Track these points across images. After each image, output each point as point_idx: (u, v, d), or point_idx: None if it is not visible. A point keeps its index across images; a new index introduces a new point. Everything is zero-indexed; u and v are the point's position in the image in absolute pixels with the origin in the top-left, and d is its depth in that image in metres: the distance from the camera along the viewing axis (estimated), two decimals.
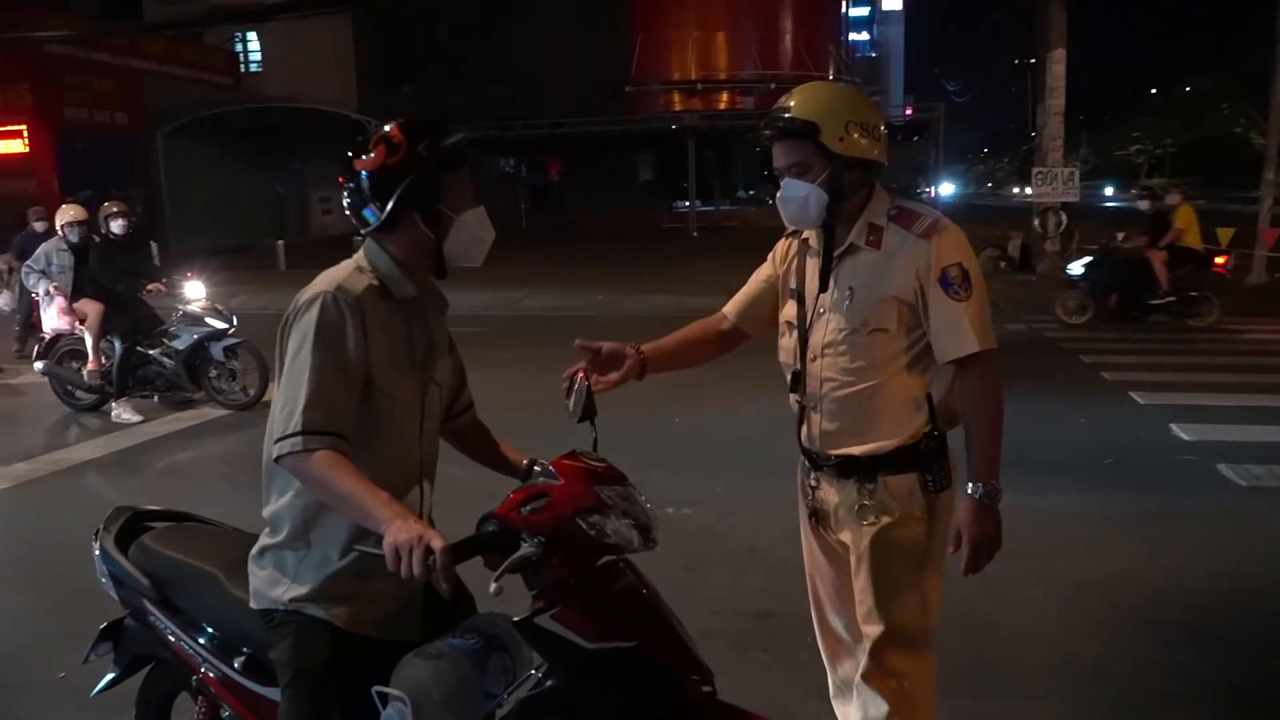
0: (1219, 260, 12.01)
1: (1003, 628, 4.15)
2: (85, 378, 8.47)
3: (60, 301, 8.59)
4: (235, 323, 8.53)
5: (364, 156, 2.11)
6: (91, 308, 8.40)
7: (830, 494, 2.58)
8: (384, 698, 1.96)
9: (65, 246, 8.72)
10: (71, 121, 23.54)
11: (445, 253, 2.17)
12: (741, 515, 5.47)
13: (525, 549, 1.91)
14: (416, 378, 2.19)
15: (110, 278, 8.28)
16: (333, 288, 2.06)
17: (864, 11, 77.42)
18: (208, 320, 8.40)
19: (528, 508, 1.96)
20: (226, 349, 8.42)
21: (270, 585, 2.13)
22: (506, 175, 41.24)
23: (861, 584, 2.54)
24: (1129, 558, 4.87)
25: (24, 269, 9.08)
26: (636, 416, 8.13)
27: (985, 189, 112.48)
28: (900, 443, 2.44)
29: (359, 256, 2.19)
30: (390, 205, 2.10)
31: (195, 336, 8.34)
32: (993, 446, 2.39)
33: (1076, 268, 12.56)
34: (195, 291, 8.68)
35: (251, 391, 8.44)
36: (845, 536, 2.57)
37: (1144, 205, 12.77)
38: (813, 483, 2.62)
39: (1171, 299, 11.75)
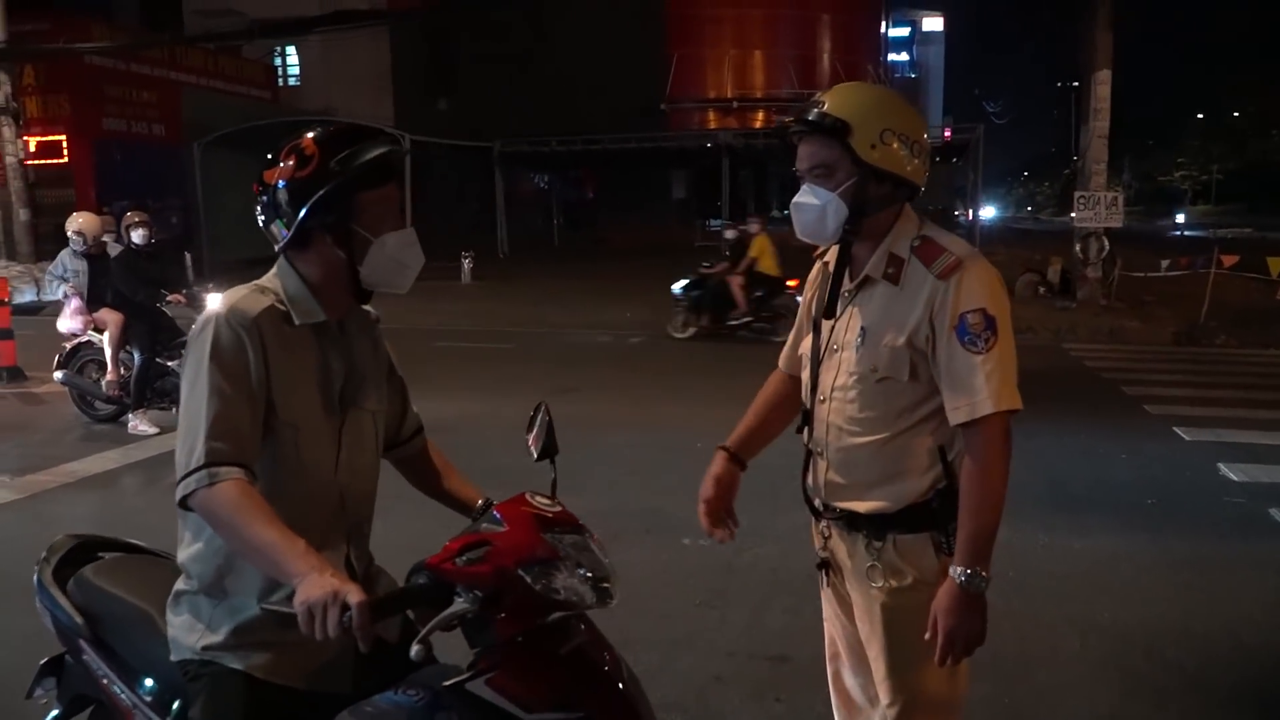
0: (790, 283, 12.72)
1: (1037, 681, 3.87)
2: (104, 388, 8.39)
3: (76, 303, 8.52)
4: None
5: (275, 167, 1.94)
6: (111, 317, 8.31)
7: (840, 547, 2.33)
8: None
9: (78, 252, 8.67)
10: (110, 132, 23.76)
11: (362, 277, 1.98)
12: (762, 549, 5.22)
13: (458, 605, 1.68)
14: (331, 408, 1.99)
15: (131, 287, 8.19)
16: (225, 309, 1.89)
17: (904, 32, 77.03)
18: None
19: (464, 558, 1.72)
20: None
21: (186, 633, 1.95)
22: (540, 191, 41.28)
23: (875, 651, 2.29)
24: (1175, 607, 4.57)
25: (46, 277, 9.06)
26: (657, 439, 7.94)
27: (1026, 213, 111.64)
28: (911, 501, 2.18)
29: (267, 276, 2.02)
30: (297, 223, 1.92)
31: None
32: (987, 526, 2.07)
33: (678, 287, 13.64)
34: (216, 303, 8.56)
35: None
36: (855, 596, 2.33)
37: (729, 234, 14.12)
38: (824, 531, 2.38)
39: (749, 318, 13.02)
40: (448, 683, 1.71)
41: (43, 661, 2.51)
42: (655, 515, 5.77)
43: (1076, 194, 16.41)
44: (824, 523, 2.37)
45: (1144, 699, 3.75)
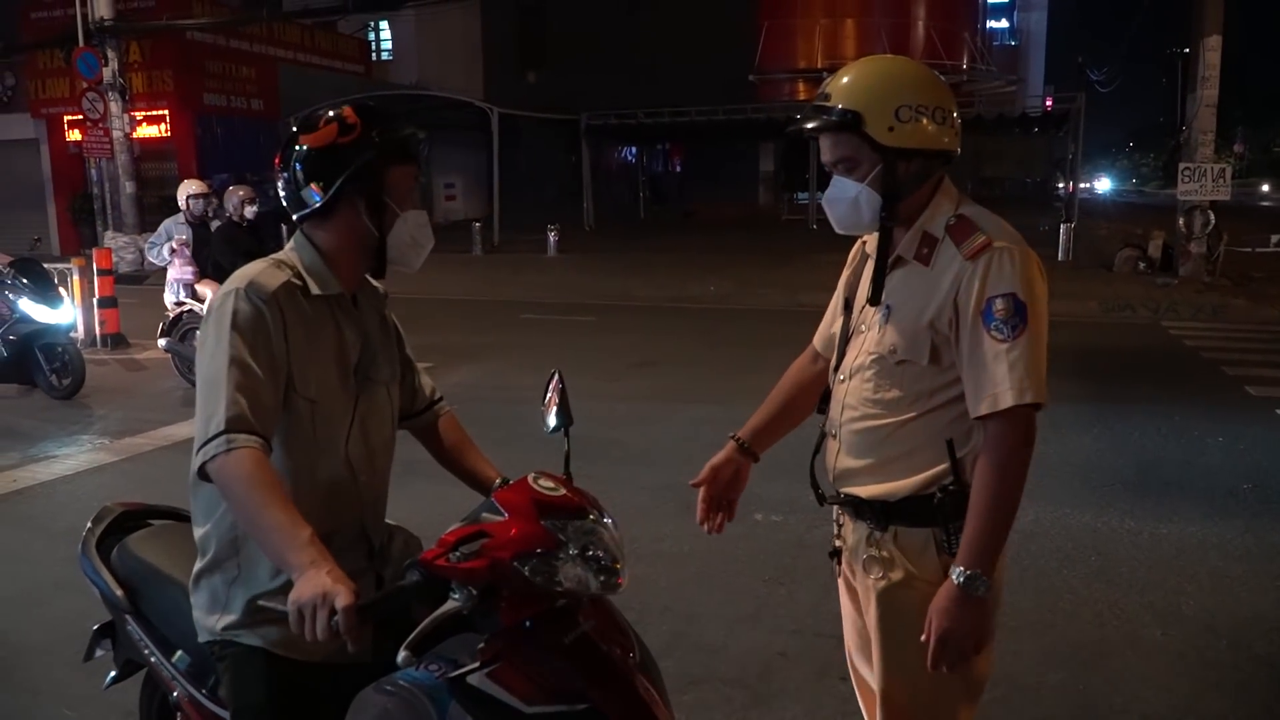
0: None
1: (1112, 670, 3.77)
2: None
3: (184, 253, 8.96)
4: None
5: (312, 133, 1.94)
6: (211, 288, 8.63)
7: (850, 534, 2.22)
8: None
9: (184, 220, 9.08)
10: (211, 107, 24.43)
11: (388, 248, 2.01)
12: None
13: (450, 604, 1.61)
14: (347, 381, 2.00)
15: (228, 259, 8.44)
16: (244, 283, 1.89)
17: None
18: None
19: (458, 552, 1.63)
20: None
21: (206, 615, 1.98)
22: (627, 164, 41.23)
23: (873, 641, 2.18)
24: (1265, 599, 4.40)
25: (147, 246, 9.47)
26: (735, 415, 7.87)
27: (1131, 185, 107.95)
28: (912, 491, 2.05)
29: (281, 251, 2.03)
30: (335, 188, 1.92)
31: None
32: (996, 528, 1.92)
33: None
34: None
35: None
36: (859, 585, 2.21)
37: None
38: (839, 519, 2.27)
39: None
40: (451, 675, 1.68)
41: (95, 626, 2.59)
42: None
43: (1181, 166, 15.77)
44: (837, 510, 2.27)
45: (1225, 692, 3.62)
